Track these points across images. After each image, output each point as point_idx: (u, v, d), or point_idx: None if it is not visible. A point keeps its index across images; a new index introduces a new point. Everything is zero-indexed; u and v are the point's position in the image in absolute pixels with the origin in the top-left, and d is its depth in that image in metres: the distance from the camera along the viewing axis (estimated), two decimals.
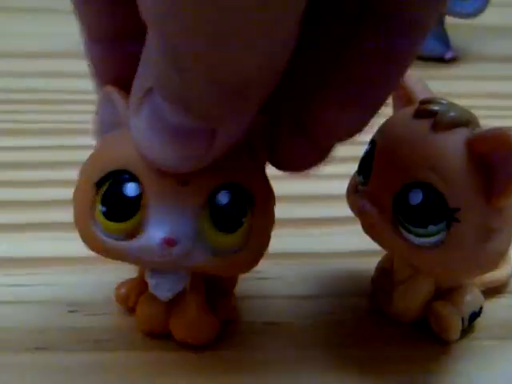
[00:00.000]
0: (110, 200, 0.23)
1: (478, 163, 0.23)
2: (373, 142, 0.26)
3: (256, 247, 0.25)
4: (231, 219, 0.23)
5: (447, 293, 0.27)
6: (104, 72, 0.24)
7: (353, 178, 0.27)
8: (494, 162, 0.23)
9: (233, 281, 0.28)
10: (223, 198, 0.23)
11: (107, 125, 0.24)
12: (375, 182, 0.25)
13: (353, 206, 0.26)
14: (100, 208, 0.23)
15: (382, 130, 0.26)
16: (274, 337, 0.28)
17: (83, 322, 0.28)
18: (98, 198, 0.23)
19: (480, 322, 0.28)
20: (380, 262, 0.29)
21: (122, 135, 0.23)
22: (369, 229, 0.25)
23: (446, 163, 0.23)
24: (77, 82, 0.48)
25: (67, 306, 0.28)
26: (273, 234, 0.25)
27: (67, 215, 0.24)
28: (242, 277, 0.28)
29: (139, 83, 0.21)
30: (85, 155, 0.24)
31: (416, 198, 0.23)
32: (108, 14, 0.23)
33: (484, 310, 0.28)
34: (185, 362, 0.26)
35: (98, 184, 0.23)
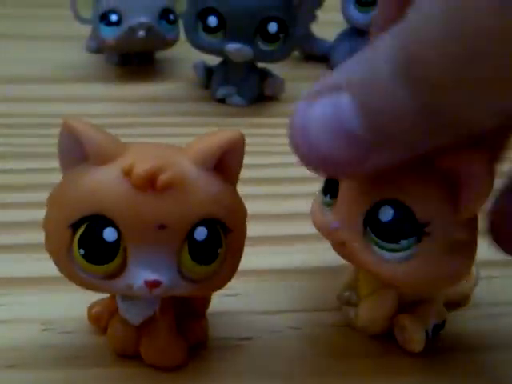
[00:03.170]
0: (89, 244, 0.23)
1: (443, 177, 0.23)
2: None
3: (230, 267, 0.25)
4: (209, 253, 0.24)
5: (411, 305, 0.28)
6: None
7: (317, 199, 0.27)
8: (458, 177, 0.23)
9: (205, 303, 0.28)
10: (200, 234, 0.24)
11: (71, 159, 0.24)
12: (344, 201, 0.25)
13: (321, 227, 0.26)
14: (78, 250, 0.23)
15: None
16: (245, 352, 0.28)
17: (56, 339, 0.28)
18: (75, 240, 0.23)
19: (444, 333, 0.29)
20: (344, 279, 0.29)
21: (92, 173, 0.23)
22: (339, 248, 0.26)
23: (411, 180, 0.24)
24: (50, 105, 0.49)
25: (41, 325, 0.29)
26: None
27: (38, 236, 0.25)
28: (214, 293, 0.28)
29: (332, 76, 0.21)
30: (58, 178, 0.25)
31: (386, 214, 0.24)
32: None
33: (448, 322, 0.29)
34: (157, 378, 0.26)
35: (74, 226, 0.23)
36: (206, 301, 0.28)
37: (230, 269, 0.25)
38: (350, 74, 0.21)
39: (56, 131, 0.24)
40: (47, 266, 0.25)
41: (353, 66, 0.21)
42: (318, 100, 0.21)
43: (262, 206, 0.36)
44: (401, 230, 0.24)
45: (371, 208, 0.24)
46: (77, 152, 0.24)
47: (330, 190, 0.26)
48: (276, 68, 0.55)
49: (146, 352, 0.27)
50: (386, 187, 0.24)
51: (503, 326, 0.30)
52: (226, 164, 0.25)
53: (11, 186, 0.39)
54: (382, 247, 0.24)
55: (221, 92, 0.53)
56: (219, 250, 0.24)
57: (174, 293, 0.24)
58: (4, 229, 0.35)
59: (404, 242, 0.24)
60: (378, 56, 0.20)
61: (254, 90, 0.53)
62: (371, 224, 0.24)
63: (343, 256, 0.26)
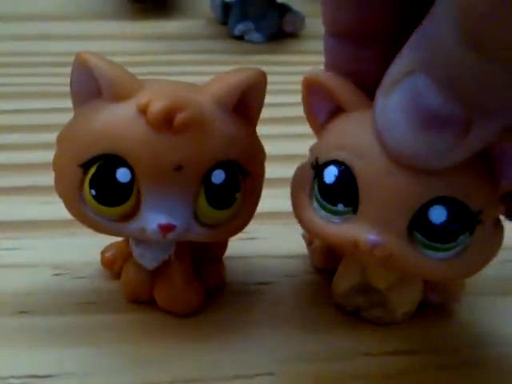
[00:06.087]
0: (101, 185, 0.22)
1: (478, 158, 0.21)
2: (341, 164, 0.22)
3: (248, 212, 0.25)
4: (226, 197, 0.23)
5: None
6: (334, 68, 0.24)
7: (307, 206, 0.23)
8: (497, 155, 0.21)
9: (222, 248, 0.28)
10: (218, 177, 0.23)
11: (83, 95, 0.23)
12: (378, 208, 0.22)
13: (341, 242, 0.22)
14: (90, 191, 0.22)
15: (355, 151, 0.22)
16: (262, 297, 0.28)
17: (68, 285, 0.27)
18: (86, 181, 0.22)
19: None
20: (347, 283, 0.26)
21: (105, 109, 0.22)
22: (385, 261, 0.22)
23: (455, 171, 0.21)
24: (63, 43, 0.48)
25: (52, 269, 0.28)
26: None
27: (50, 178, 0.24)
28: (231, 238, 0.27)
29: (400, 64, 0.20)
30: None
31: (439, 215, 0.21)
32: (352, 13, 0.22)
33: None
34: (171, 324, 0.26)
35: (85, 166, 0.22)
36: (223, 245, 0.28)
37: (247, 213, 0.25)
38: (419, 54, 0.19)
39: (69, 70, 0.23)
40: (59, 209, 0.24)
41: (418, 46, 0.19)
42: (393, 91, 0.20)
43: (280, 146, 0.35)
44: (458, 227, 0.22)
45: (417, 211, 0.21)
46: (90, 87, 0.23)
47: (343, 197, 0.22)
48: (296, 3, 0.53)
49: (161, 297, 0.26)
50: (430, 185, 0.21)
51: None
52: (246, 104, 0.24)
53: (24, 126, 0.39)
54: (435, 249, 0.22)
55: (239, 28, 0.52)
56: (237, 195, 0.23)
57: (189, 238, 0.23)
58: (16, 170, 0.35)
59: (461, 238, 0.22)
60: (439, 25, 0.18)
61: (273, 26, 0.52)
62: (420, 228, 0.22)
63: (387, 268, 0.24)
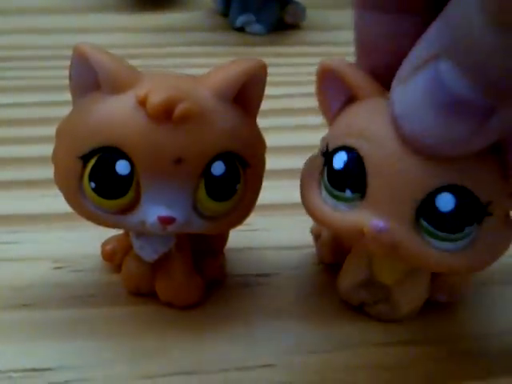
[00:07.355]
0: (101, 178, 0.22)
1: (490, 149, 0.21)
2: (351, 150, 0.22)
3: (248, 204, 0.24)
4: (226, 189, 0.23)
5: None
6: (369, 48, 0.23)
7: (315, 193, 0.23)
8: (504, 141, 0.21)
9: (222, 240, 0.28)
10: (218, 168, 0.23)
11: (83, 87, 0.23)
12: (385, 194, 0.21)
13: (346, 230, 0.22)
14: (89, 183, 0.22)
15: (365, 136, 0.22)
16: (263, 289, 0.28)
17: (69, 278, 0.27)
18: (86, 173, 0.22)
19: None
20: (352, 279, 0.26)
21: (104, 101, 0.22)
22: (391, 250, 0.22)
23: (466, 160, 0.21)
24: (62, 36, 0.48)
25: (52, 263, 0.28)
26: None
27: (50, 172, 0.24)
28: (231, 230, 0.27)
29: (421, 50, 0.20)
30: None
31: (447, 203, 0.21)
32: None
33: None
34: (172, 317, 0.26)
35: (84, 158, 0.22)
36: (224, 237, 0.28)
37: (247, 205, 0.24)
38: (443, 39, 0.19)
39: (69, 63, 0.23)
40: (59, 202, 0.24)
41: (442, 32, 0.19)
42: (415, 76, 0.20)
43: (282, 138, 0.35)
44: (466, 217, 0.21)
45: (425, 198, 0.21)
46: (88, 79, 0.23)
47: (351, 183, 0.22)
48: None
49: (162, 290, 0.26)
50: (439, 172, 0.21)
51: None
52: (246, 95, 0.23)
53: (24, 120, 0.39)
54: (442, 239, 0.21)
55: (240, 20, 0.51)
56: (237, 186, 0.23)
57: (189, 230, 0.23)
58: (15, 164, 0.34)
59: (468, 229, 0.21)
60: (464, 8, 0.18)
61: (274, 17, 0.52)
62: (427, 216, 0.21)
63: (392, 257, 0.23)
